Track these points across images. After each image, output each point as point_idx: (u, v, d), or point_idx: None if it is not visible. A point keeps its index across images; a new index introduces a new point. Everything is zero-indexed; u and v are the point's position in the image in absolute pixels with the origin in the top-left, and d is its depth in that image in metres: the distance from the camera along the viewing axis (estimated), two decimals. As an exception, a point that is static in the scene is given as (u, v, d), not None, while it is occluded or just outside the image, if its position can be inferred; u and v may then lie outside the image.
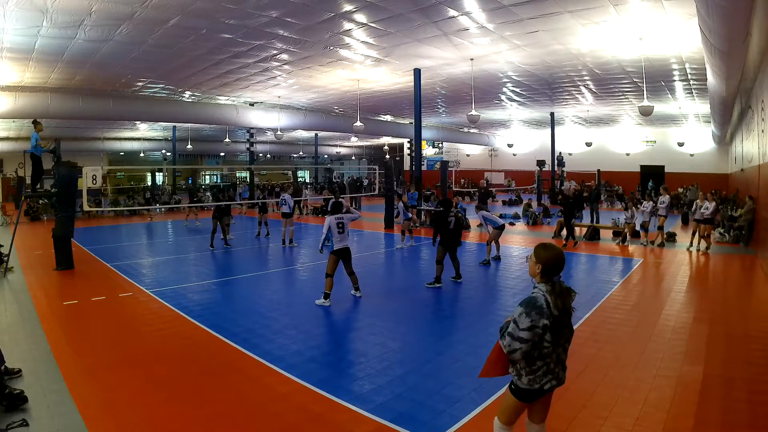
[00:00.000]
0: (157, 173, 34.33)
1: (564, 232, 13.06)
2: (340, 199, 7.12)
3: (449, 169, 24.23)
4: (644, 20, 9.02)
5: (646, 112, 12.11)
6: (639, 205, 12.55)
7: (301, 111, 21.60)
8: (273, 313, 6.30)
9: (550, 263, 2.43)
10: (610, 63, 12.62)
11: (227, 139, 29.24)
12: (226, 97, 18.39)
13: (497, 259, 9.83)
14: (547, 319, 2.35)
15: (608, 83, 15.41)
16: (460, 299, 7.14)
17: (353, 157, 47.45)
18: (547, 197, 24.46)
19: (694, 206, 11.54)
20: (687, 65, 12.38)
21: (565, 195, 13.14)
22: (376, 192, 20.41)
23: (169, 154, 32.18)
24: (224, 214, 11.90)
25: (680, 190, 23.35)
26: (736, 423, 3.48)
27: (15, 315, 6.30)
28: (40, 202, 19.09)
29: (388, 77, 15.07)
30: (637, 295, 7.20)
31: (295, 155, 41.01)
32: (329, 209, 6.89)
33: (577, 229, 13.37)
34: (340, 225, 6.73)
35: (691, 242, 11.27)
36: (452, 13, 8.99)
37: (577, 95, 17.93)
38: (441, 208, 8.02)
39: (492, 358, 2.56)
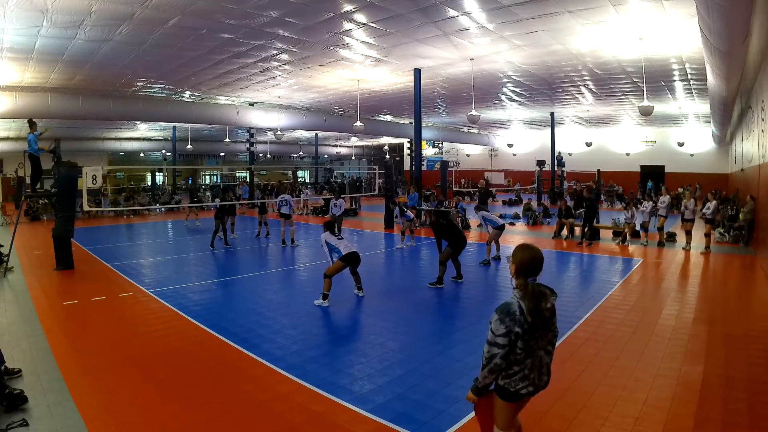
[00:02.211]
0: (157, 173, 34.34)
1: (564, 231, 13.08)
2: (333, 222, 7.26)
3: (449, 169, 24.28)
4: (644, 20, 9.02)
5: (646, 112, 12.12)
6: (639, 205, 12.55)
7: (301, 111, 21.60)
8: (273, 313, 6.30)
9: (524, 264, 2.42)
10: (610, 63, 12.62)
11: (227, 139, 29.25)
12: (226, 97, 18.40)
13: (497, 259, 9.83)
14: (520, 327, 2.32)
15: (608, 83, 15.42)
16: (461, 299, 7.14)
17: (353, 157, 47.45)
18: (547, 197, 24.48)
19: (681, 206, 11.54)
20: (687, 65, 12.38)
21: (586, 196, 13.13)
22: (376, 192, 20.40)
23: (169, 154, 32.18)
24: (227, 214, 11.93)
25: (680, 189, 23.35)
26: (736, 423, 3.48)
27: (15, 315, 6.30)
28: (40, 202, 19.09)
29: (388, 77, 15.07)
30: (637, 295, 7.19)
31: (295, 155, 41.01)
32: (324, 226, 6.97)
33: (576, 229, 13.37)
34: (336, 234, 6.88)
35: (687, 241, 11.30)
36: (452, 13, 8.99)
37: (577, 95, 17.93)
38: (443, 221, 7.96)
39: (481, 420, 2.64)
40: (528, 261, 2.42)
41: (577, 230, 13.32)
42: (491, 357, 2.36)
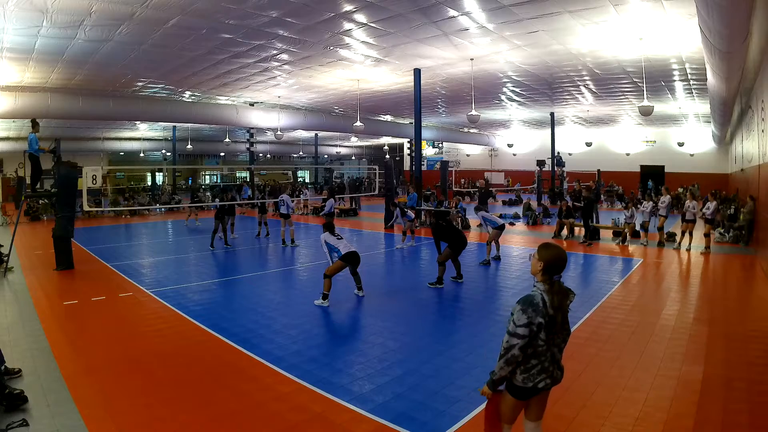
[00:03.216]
0: (157, 173, 34.33)
1: (564, 231, 13.08)
2: (332, 222, 7.27)
3: (449, 169, 24.29)
4: (644, 20, 9.02)
5: (646, 112, 12.12)
6: (639, 205, 12.55)
7: (301, 111, 21.61)
8: (273, 313, 6.30)
9: (551, 262, 2.48)
10: (610, 63, 12.62)
11: (227, 139, 29.24)
12: (226, 97, 18.40)
13: (497, 259, 9.83)
14: (543, 317, 2.40)
15: (608, 83, 15.41)
16: (461, 299, 7.13)
17: (353, 157, 47.46)
18: (547, 197, 24.48)
19: (684, 207, 11.55)
20: (687, 65, 12.38)
21: (584, 196, 13.14)
22: (376, 192, 20.40)
23: (169, 154, 32.19)
24: (227, 214, 11.94)
25: (680, 190, 23.36)
26: (736, 423, 3.48)
27: (15, 315, 6.30)
28: (40, 202, 19.09)
29: (388, 77, 15.07)
30: (637, 295, 7.20)
31: (295, 155, 41.02)
32: (323, 227, 6.99)
33: (576, 229, 13.38)
34: (335, 234, 6.89)
35: (679, 242, 11.31)
36: (452, 13, 8.99)
37: (577, 95, 17.93)
38: (442, 222, 7.98)
39: (488, 418, 2.65)
40: (556, 259, 2.48)
41: (577, 230, 13.33)
42: (510, 347, 2.40)
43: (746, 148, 13.27)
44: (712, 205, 11.22)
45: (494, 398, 2.59)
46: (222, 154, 39.37)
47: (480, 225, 11.71)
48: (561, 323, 2.46)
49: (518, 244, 12.36)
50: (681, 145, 26.78)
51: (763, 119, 8.75)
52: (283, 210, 12.14)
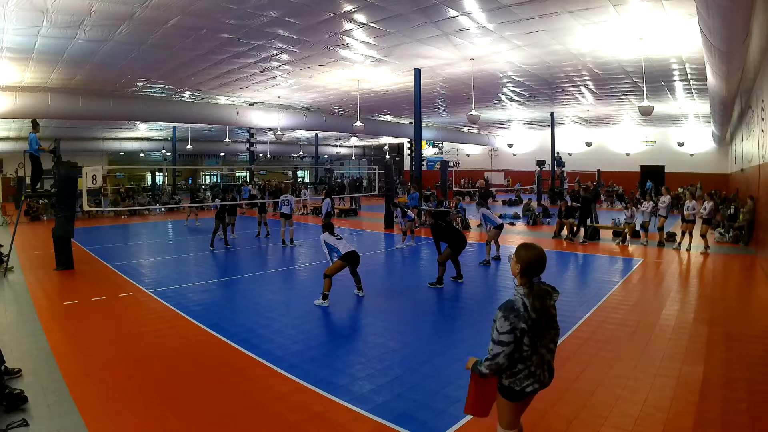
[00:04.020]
0: (157, 173, 34.33)
1: (565, 231, 13.08)
2: (332, 222, 7.29)
3: (449, 169, 24.30)
4: (644, 20, 9.03)
5: (646, 112, 12.12)
6: (639, 205, 12.55)
7: (301, 111, 21.61)
8: (273, 313, 6.30)
9: (529, 263, 2.41)
10: (610, 63, 12.62)
11: (227, 139, 29.24)
12: (226, 97, 18.40)
13: (497, 259, 9.83)
14: (525, 323, 2.32)
15: (608, 83, 15.42)
16: (461, 299, 7.13)
17: (353, 157, 47.46)
18: (547, 197, 24.47)
19: (685, 207, 11.55)
20: (687, 65, 12.38)
21: (582, 195, 13.13)
22: (376, 192, 20.40)
23: (169, 154, 32.19)
24: (228, 214, 11.95)
25: (680, 190, 23.35)
26: (736, 423, 3.48)
27: (15, 315, 6.30)
28: (40, 202, 19.09)
29: (388, 77, 15.07)
30: (637, 295, 7.20)
31: (295, 155, 41.03)
32: (323, 227, 7.02)
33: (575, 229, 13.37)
34: (335, 234, 6.91)
35: (679, 242, 11.31)
36: (452, 13, 8.99)
37: (577, 95, 17.93)
38: (442, 223, 7.99)
39: (472, 396, 2.60)
40: (534, 260, 2.41)
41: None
42: (495, 356, 2.35)
43: (746, 148, 13.27)
44: (708, 205, 11.23)
45: (481, 380, 2.53)
46: (222, 154, 39.38)
47: (480, 225, 11.70)
48: (546, 325, 2.39)
49: (518, 244, 12.34)
50: (681, 145, 26.79)
51: (763, 119, 8.76)
52: (285, 210, 12.15)
